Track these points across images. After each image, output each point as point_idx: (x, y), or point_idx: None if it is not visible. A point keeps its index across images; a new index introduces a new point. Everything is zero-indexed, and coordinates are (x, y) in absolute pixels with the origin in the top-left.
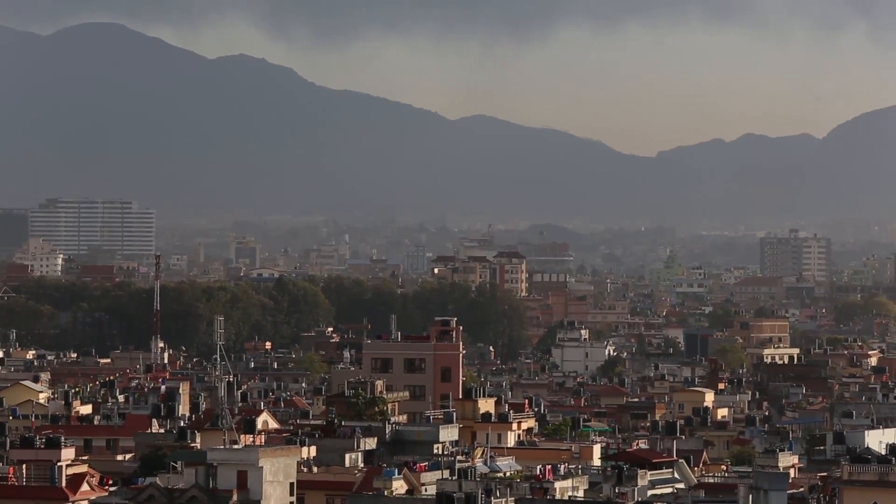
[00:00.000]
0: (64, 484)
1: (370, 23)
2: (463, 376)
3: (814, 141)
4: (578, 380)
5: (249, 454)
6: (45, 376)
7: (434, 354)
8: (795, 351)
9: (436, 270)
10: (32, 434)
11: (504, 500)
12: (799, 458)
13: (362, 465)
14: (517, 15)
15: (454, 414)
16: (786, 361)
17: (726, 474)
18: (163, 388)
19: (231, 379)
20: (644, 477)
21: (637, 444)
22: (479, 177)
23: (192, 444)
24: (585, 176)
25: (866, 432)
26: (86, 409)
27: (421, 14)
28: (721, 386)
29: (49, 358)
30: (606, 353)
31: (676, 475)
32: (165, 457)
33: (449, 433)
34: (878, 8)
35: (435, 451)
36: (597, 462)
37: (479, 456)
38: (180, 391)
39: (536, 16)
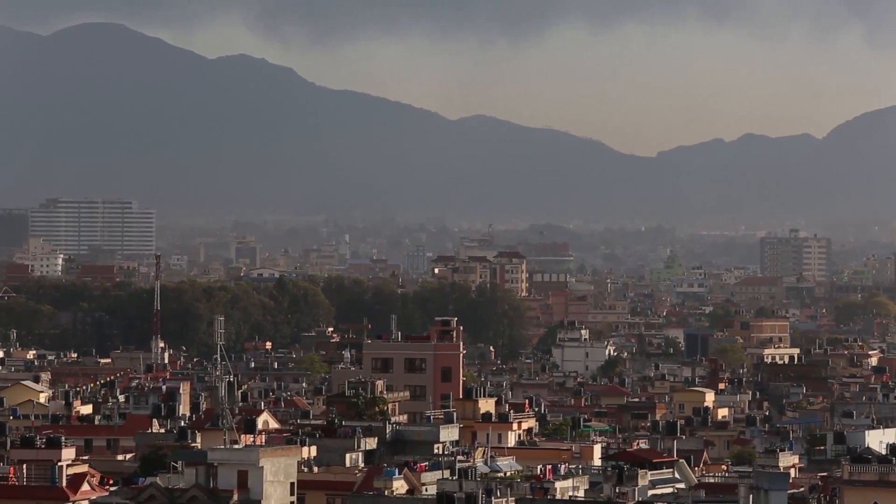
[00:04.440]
0: (64, 484)
1: (364, 24)
2: (463, 376)
3: (814, 141)
4: (579, 380)
5: (250, 454)
6: (45, 376)
7: (434, 354)
8: (796, 351)
9: (436, 270)
10: (33, 434)
11: (504, 500)
12: (799, 458)
13: (363, 464)
14: (513, 15)
15: (454, 414)
16: (786, 361)
17: (727, 474)
18: (163, 388)
19: (231, 379)
20: (644, 477)
21: (637, 444)
22: (479, 177)
23: (193, 444)
24: (585, 176)
25: (866, 432)
26: (86, 409)
27: (416, 14)
28: (721, 386)
29: (49, 358)
30: (607, 353)
31: (677, 475)
32: (166, 457)
33: (449, 433)
34: (874, 10)
35: (435, 450)
36: (597, 462)
37: (479, 456)
38: (181, 391)
39: (532, 15)
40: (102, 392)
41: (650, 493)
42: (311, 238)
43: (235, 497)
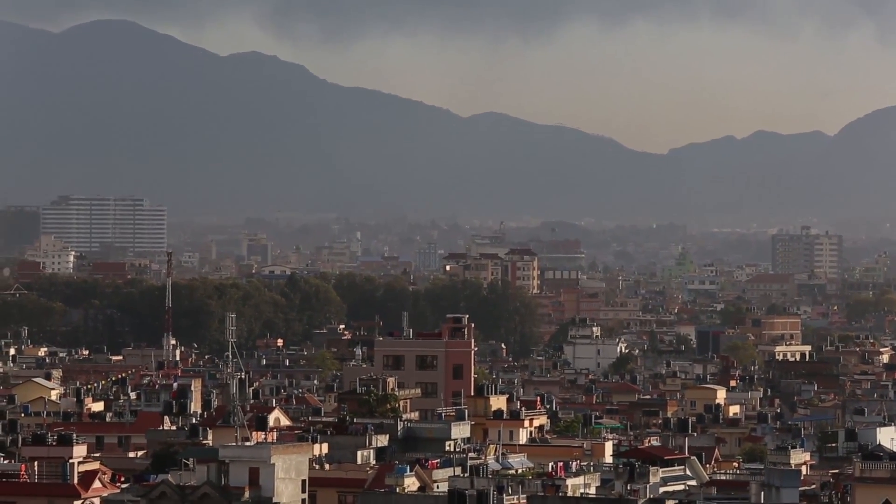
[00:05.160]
0: (76, 481)
1: (375, 21)
2: (475, 373)
3: (825, 138)
4: (590, 377)
5: (261, 451)
6: (56, 373)
7: (446, 351)
8: (807, 348)
9: (447, 267)
10: (44, 431)
11: (516, 497)
12: (811, 455)
13: (374, 462)
14: (524, 12)
15: (466, 411)
16: (797, 358)
17: (738, 471)
18: (174, 385)
19: (243, 376)
20: (656, 474)
21: (649, 441)
22: (490, 174)
23: (204, 441)
24: (597, 173)
25: (878, 429)
26: (98, 407)
27: (426, 12)
28: (733, 383)
29: (61, 355)
30: (618, 350)
31: (688, 472)
32: (177, 454)
33: (461, 430)
34: (885, 7)
35: (447, 448)
36: (609, 459)
37: (490, 453)
38: (192, 388)
39: (543, 12)
40: (114, 389)
41: (661, 490)
42: (322, 235)
43: (247, 494)
